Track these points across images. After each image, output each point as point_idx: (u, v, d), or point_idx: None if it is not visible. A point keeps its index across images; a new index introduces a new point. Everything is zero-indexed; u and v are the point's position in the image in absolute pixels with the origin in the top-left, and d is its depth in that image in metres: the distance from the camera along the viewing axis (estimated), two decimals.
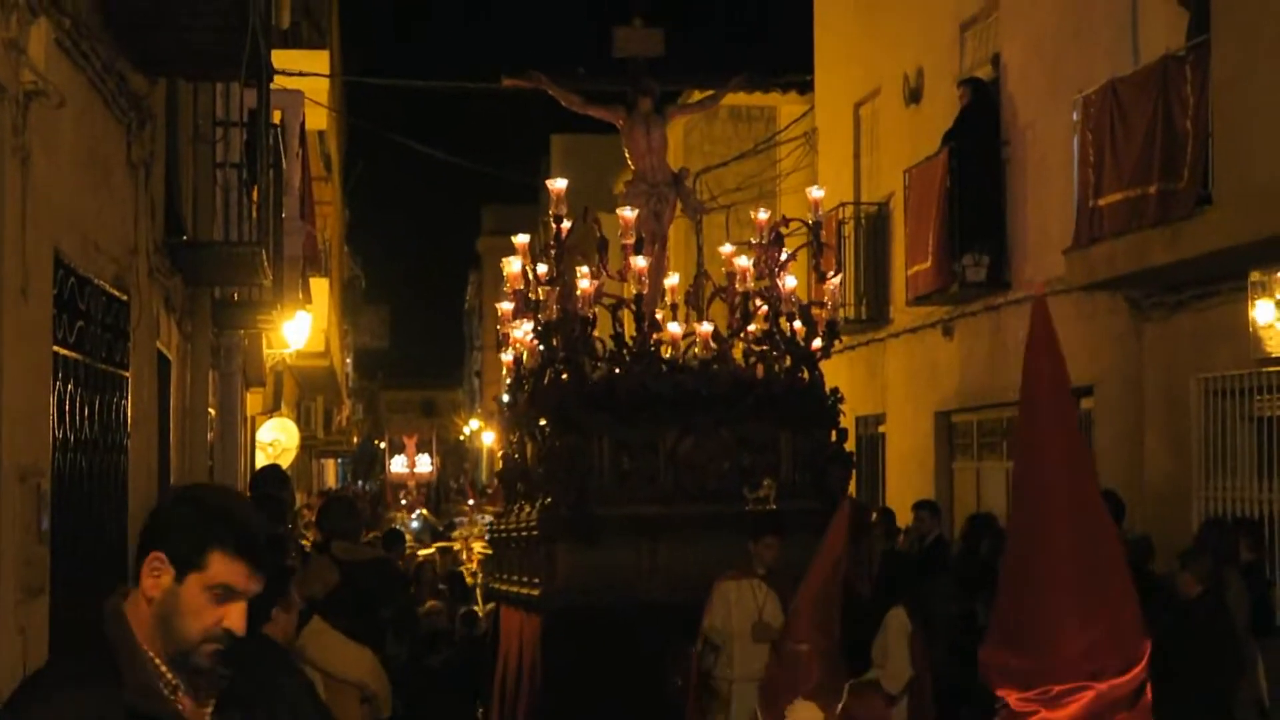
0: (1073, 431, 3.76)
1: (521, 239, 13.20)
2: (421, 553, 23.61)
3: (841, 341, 13.87)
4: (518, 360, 13.33)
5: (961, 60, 17.99)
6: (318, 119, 23.64)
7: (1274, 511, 12.05)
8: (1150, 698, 3.24)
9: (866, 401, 19.69)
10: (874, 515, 14.07)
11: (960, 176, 16.47)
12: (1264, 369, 11.94)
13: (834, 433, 12.81)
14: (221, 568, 3.23)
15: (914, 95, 19.11)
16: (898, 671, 9.84)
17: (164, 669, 3.27)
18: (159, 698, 3.24)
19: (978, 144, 16.51)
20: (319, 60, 22.79)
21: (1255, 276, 11.64)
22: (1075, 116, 13.81)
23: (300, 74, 18.98)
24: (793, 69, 23.65)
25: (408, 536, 24.77)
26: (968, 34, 17.99)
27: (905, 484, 18.96)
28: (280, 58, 17.48)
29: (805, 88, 23.97)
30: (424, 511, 40.06)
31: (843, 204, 19.91)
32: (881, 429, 20.59)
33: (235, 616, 3.26)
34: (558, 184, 12.32)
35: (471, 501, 40.18)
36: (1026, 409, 3.67)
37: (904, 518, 15.39)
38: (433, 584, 19.56)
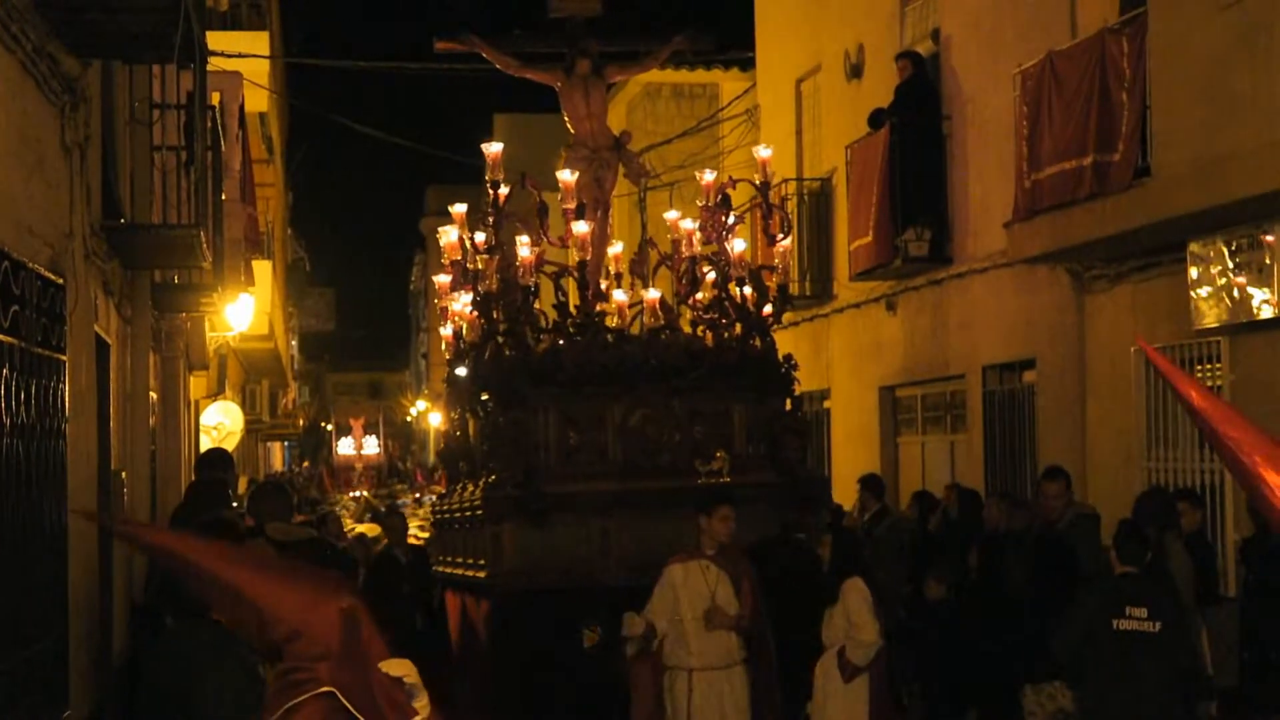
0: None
1: (459, 208, 12.80)
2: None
3: (787, 315, 13.76)
4: (457, 334, 13.05)
5: (902, 36, 18.02)
6: (258, 101, 23.47)
7: (1216, 481, 12.13)
8: None
9: (811, 377, 19.72)
10: None
11: (901, 151, 16.48)
12: (1204, 339, 12.01)
13: (788, 401, 12.29)
14: None
15: (855, 71, 19.14)
16: (867, 639, 9.41)
17: None
18: None
19: (919, 119, 16.55)
20: (258, 42, 22.63)
21: (1194, 248, 11.71)
22: (1014, 90, 13.86)
23: (238, 55, 18.83)
24: (735, 46, 23.61)
25: (345, 516, 24.64)
26: (908, 9, 18.02)
27: (851, 459, 19.02)
28: (219, 39, 17.35)
29: (747, 64, 23.96)
30: (365, 493, 39.96)
31: (785, 180, 19.91)
32: (826, 404, 20.66)
33: None
34: (493, 148, 11.92)
35: (419, 482, 40.15)
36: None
37: (850, 494, 15.40)
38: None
